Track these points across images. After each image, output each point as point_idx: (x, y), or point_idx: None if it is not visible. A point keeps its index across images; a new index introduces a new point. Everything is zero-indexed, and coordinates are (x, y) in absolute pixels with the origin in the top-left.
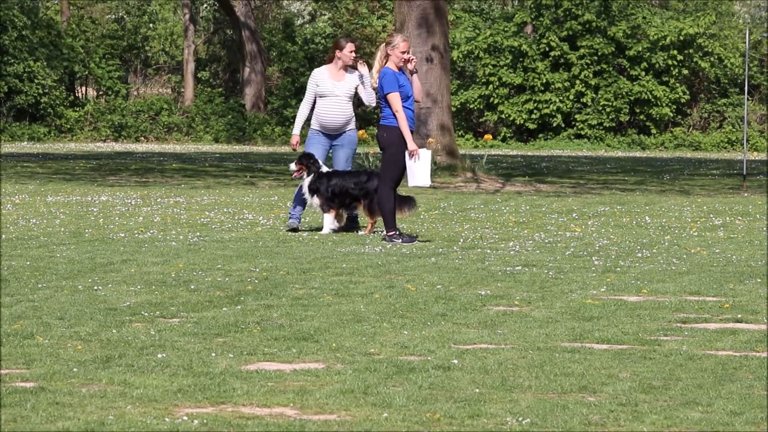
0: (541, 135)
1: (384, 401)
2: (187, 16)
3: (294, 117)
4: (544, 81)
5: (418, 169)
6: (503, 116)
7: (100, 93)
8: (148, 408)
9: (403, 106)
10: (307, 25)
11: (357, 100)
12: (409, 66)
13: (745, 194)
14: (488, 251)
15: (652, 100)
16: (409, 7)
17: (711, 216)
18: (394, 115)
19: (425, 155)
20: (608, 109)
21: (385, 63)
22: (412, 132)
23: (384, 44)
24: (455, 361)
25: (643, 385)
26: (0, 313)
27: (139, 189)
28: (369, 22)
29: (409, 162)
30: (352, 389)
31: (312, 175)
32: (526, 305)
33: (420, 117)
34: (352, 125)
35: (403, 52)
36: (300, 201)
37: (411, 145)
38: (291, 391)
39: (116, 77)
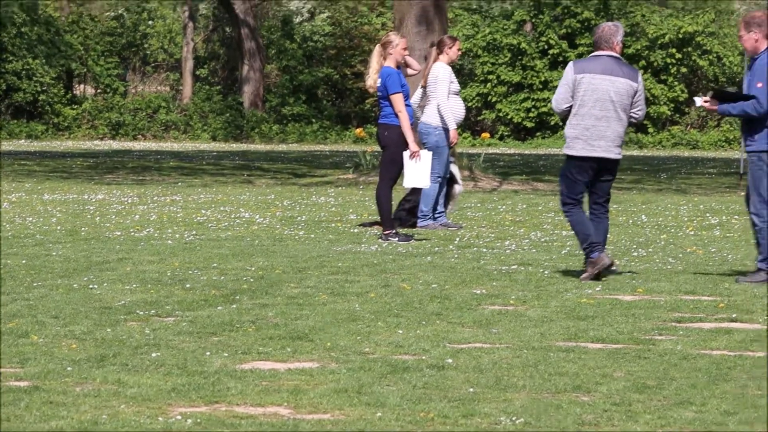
0: (538, 133)
1: (378, 400)
2: (186, 14)
3: (293, 114)
4: (543, 79)
5: (417, 170)
6: (501, 114)
7: (99, 91)
8: (142, 407)
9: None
10: (306, 23)
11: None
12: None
13: (742, 193)
14: (484, 250)
15: (650, 98)
16: (408, 4)
17: (707, 215)
18: (397, 115)
19: (426, 156)
20: None
21: (384, 62)
22: (413, 130)
23: (380, 44)
24: (450, 361)
25: (637, 385)
26: None
27: (136, 187)
28: (368, 20)
29: (408, 162)
30: (346, 388)
31: None
32: (522, 304)
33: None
34: None
35: (405, 49)
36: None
37: (413, 146)
38: (285, 390)
39: (114, 75)
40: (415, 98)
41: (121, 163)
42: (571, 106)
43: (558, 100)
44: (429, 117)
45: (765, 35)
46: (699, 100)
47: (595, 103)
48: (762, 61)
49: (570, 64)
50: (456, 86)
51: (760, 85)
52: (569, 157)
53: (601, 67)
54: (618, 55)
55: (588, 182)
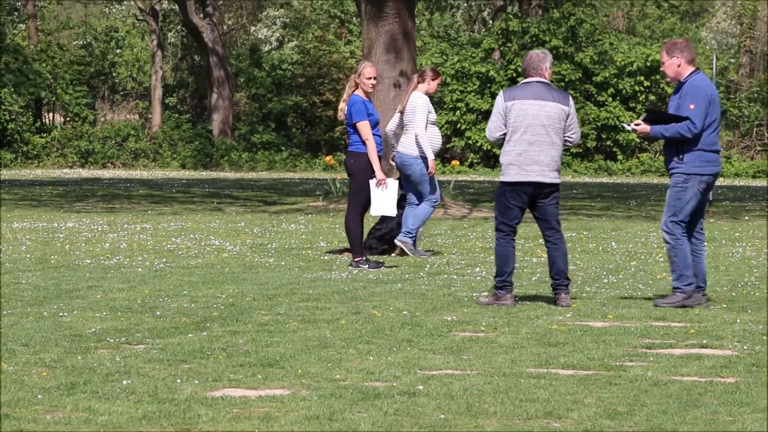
0: None
1: (349, 427)
2: (155, 42)
3: (262, 142)
4: None
5: (384, 198)
6: (470, 142)
7: (67, 119)
8: None
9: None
10: (275, 52)
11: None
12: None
13: (711, 220)
14: (455, 277)
15: (619, 126)
16: (377, 32)
17: None
18: (364, 143)
19: (392, 185)
20: None
21: (354, 91)
22: (380, 158)
23: (354, 74)
24: (420, 387)
25: (608, 411)
26: None
27: (106, 215)
28: (336, 48)
29: (375, 190)
30: (318, 415)
31: None
32: (492, 331)
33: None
34: None
35: (369, 78)
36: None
37: (379, 174)
38: (256, 417)
39: (83, 103)
40: (392, 124)
41: (91, 191)
42: (505, 134)
43: (491, 129)
44: (407, 148)
45: (687, 60)
46: (629, 125)
47: (527, 128)
48: (691, 83)
49: (500, 93)
50: (433, 116)
51: (692, 106)
52: (504, 183)
53: (530, 93)
54: (547, 81)
55: (523, 208)
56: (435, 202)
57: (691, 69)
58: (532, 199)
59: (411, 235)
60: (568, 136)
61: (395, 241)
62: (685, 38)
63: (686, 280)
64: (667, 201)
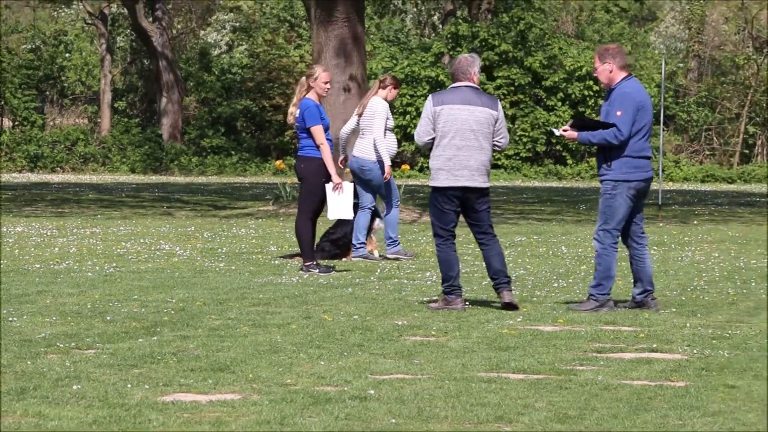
0: None
1: None
2: (104, 46)
3: (212, 147)
4: None
5: (340, 202)
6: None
7: (16, 123)
8: None
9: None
10: (224, 56)
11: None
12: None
13: (661, 224)
14: (405, 281)
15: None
16: (326, 36)
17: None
18: (317, 147)
19: (348, 188)
20: (525, 139)
21: (305, 95)
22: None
23: (305, 77)
24: (371, 392)
25: (558, 415)
26: None
27: (55, 220)
28: (286, 52)
29: (331, 194)
30: (269, 420)
31: None
32: (443, 335)
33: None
34: None
35: (326, 83)
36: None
37: (336, 178)
38: (207, 422)
39: (32, 107)
40: (347, 127)
41: (40, 196)
42: (434, 138)
43: (420, 134)
44: (365, 152)
45: (619, 66)
46: (557, 131)
47: (456, 133)
48: (620, 90)
49: (429, 97)
50: (391, 122)
51: (619, 113)
52: (435, 189)
53: (459, 98)
54: (476, 85)
55: (457, 212)
56: (397, 201)
57: (623, 75)
58: (463, 204)
59: (397, 243)
60: (497, 141)
61: (388, 256)
62: (617, 44)
63: (603, 290)
64: (599, 209)
